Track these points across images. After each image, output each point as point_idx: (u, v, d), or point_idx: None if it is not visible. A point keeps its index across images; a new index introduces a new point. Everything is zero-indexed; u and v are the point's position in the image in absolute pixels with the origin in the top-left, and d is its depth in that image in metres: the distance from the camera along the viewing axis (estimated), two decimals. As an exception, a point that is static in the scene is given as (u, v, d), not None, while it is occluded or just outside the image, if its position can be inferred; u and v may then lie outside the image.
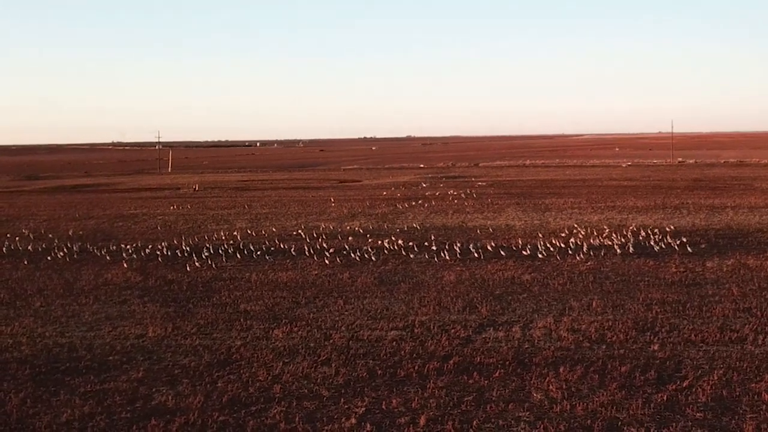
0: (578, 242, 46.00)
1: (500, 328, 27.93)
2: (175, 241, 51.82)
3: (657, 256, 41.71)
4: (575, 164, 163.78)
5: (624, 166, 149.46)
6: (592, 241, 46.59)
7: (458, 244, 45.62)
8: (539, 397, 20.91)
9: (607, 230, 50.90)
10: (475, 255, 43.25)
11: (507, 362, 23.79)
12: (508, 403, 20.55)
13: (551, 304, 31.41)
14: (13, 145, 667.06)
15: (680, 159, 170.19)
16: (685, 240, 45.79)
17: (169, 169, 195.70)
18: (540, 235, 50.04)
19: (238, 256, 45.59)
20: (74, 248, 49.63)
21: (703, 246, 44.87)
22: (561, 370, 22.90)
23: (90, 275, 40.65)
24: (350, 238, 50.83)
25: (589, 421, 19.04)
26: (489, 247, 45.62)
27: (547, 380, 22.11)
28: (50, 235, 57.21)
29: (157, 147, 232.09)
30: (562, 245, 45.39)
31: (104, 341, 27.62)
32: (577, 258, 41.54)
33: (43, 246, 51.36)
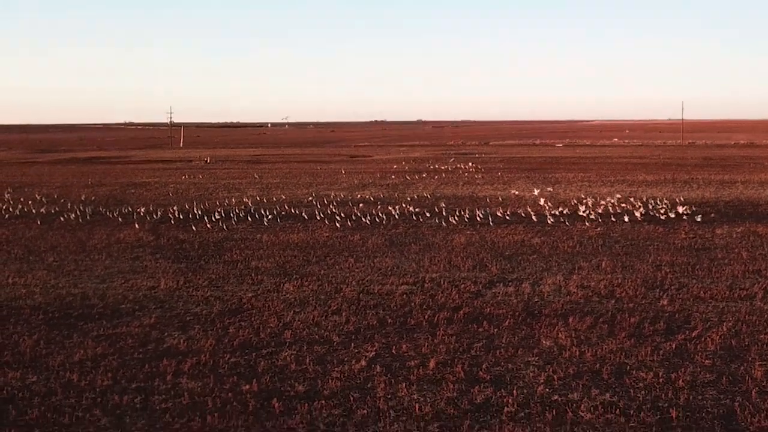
0: (588, 211, 45.86)
1: (510, 284, 27.89)
2: (187, 206, 51.91)
3: (666, 224, 41.58)
4: (585, 144, 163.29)
5: (616, 140, 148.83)
6: (601, 210, 46.46)
7: (468, 211, 45.54)
8: (548, 343, 20.88)
9: (616, 200, 50.74)
10: (485, 220, 43.19)
11: (517, 313, 23.77)
12: (517, 349, 20.52)
13: (561, 264, 31.34)
14: (27, 124, 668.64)
15: (690, 141, 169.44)
16: (695, 209, 45.66)
17: (181, 144, 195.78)
18: (549, 204, 49.90)
19: (249, 219, 45.61)
20: (87, 211, 49.73)
21: (712, 215, 44.72)
22: (570, 320, 22.87)
23: (102, 234, 40.71)
24: (361, 205, 50.81)
25: (597, 366, 19.00)
26: (498, 214, 45.59)
27: (556, 329, 22.08)
28: (62, 200, 57.34)
29: (169, 120, 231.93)
30: (572, 212, 45.31)
31: (117, 292, 27.67)
32: (587, 224, 41.47)
33: (56, 209, 51.48)
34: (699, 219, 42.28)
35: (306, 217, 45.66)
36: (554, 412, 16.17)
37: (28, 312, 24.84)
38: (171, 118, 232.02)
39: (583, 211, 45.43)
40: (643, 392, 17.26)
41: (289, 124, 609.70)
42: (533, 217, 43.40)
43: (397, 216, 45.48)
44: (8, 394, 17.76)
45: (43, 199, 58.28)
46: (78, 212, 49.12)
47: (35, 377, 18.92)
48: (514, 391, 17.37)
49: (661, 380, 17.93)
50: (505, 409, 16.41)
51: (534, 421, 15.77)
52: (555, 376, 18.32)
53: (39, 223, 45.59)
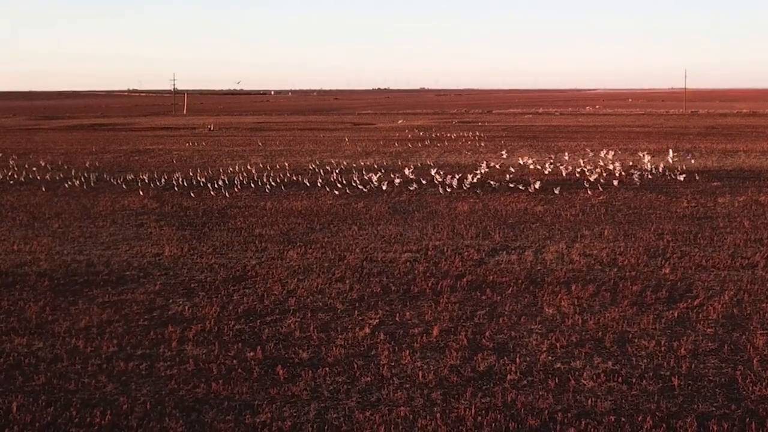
0: (590, 178, 45.77)
1: (513, 252, 27.88)
2: (191, 173, 51.90)
3: (668, 192, 41.51)
4: (588, 112, 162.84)
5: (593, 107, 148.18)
6: (603, 178, 46.39)
7: (471, 178, 45.47)
8: (551, 311, 20.89)
9: (619, 168, 50.65)
10: (488, 188, 43.17)
11: (519, 281, 23.77)
12: (520, 316, 20.54)
13: (563, 232, 31.32)
14: (31, 90, 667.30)
15: (693, 110, 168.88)
16: (697, 177, 45.60)
17: (185, 111, 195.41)
18: (553, 173, 49.79)
19: (253, 186, 45.64)
20: (91, 178, 49.72)
21: (715, 184, 44.63)
22: (573, 288, 22.87)
23: (107, 201, 40.71)
24: (364, 173, 50.70)
25: (600, 334, 19.02)
26: (501, 182, 45.52)
27: (559, 297, 22.09)
28: (67, 167, 57.28)
29: (172, 88, 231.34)
30: (574, 181, 45.27)
31: (121, 258, 27.69)
32: (589, 192, 41.40)
33: (61, 176, 51.51)
34: (701, 187, 42.19)
35: (309, 185, 45.65)
36: (557, 380, 16.19)
37: (33, 278, 24.86)
38: (174, 85, 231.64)
39: (586, 179, 45.33)
40: (645, 360, 17.27)
41: (292, 91, 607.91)
42: (536, 185, 43.30)
43: (400, 184, 45.41)
44: (14, 360, 17.80)
45: (48, 166, 58.30)
46: (82, 179, 49.13)
47: (41, 343, 18.96)
48: (517, 359, 17.39)
49: (663, 348, 17.94)
50: (508, 376, 16.43)
51: (537, 389, 15.79)
52: (558, 344, 18.33)
53: (44, 189, 45.59)
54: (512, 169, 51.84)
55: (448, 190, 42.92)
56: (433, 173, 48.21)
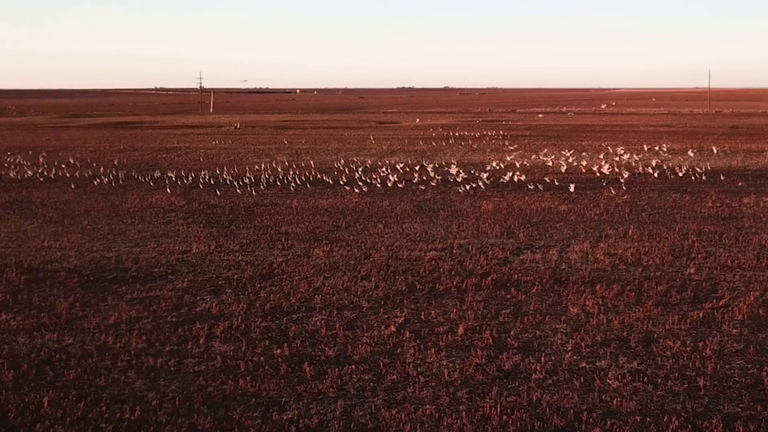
0: (614, 178, 45.58)
1: (537, 251, 27.80)
2: (217, 171, 52.07)
3: (693, 192, 41.27)
4: (611, 111, 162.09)
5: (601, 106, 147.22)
6: (628, 177, 46.19)
7: (495, 178, 45.40)
8: (576, 311, 20.81)
9: (642, 168, 50.43)
10: (512, 187, 43.10)
11: (544, 280, 23.69)
12: (545, 315, 20.47)
13: (588, 232, 31.20)
14: (60, 89, 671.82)
15: (717, 110, 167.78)
16: (722, 177, 45.32)
17: (211, 109, 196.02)
18: (575, 171, 49.66)
19: (279, 185, 45.70)
20: (119, 175, 50.00)
21: (740, 184, 44.34)
22: (597, 287, 22.77)
23: (135, 199, 40.92)
24: (389, 171, 50.66)
25: (625, 334, 18.93)
26: (524, 180, 45.43)
27: (583, 296, 22.00)
28: (96, 164, 57.62)
29: (199, 86, 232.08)
30: (598, 180, 45.11)
31: (150, 255, 27.81)
32: (613, 191, 41.21)
33: (90, 173, 51.83)
34: (726, 187, 41.91)
35: (335, 183, 45.69)
36: (582, 380, 16.13)
37: (63, 275, 25.01)
38: (201, 83, 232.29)
39: (610, 179, 45.15)
40: (670, 361, 17.18)
41: (318, 90, 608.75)
42: (560, 184, 43.14)
43: (425, 182, 45.38)
44: (45, 356, 17.91)
45: (77, 163, 58.63)
46: (111, 176, 49.42)
47: (71, 339, 19.07)
48: (542, 358, 17.34)
49: (688, 349, 17.84)
50: (533, 375, 16.39)
51: (562, 389, 15.73)
52: (582, 344, 18.27)
53: (73, 186, 45.87)
54: (535, 168, 51.68)
55: (473, 188, 42.82)
56: (453, 172, 48.15)
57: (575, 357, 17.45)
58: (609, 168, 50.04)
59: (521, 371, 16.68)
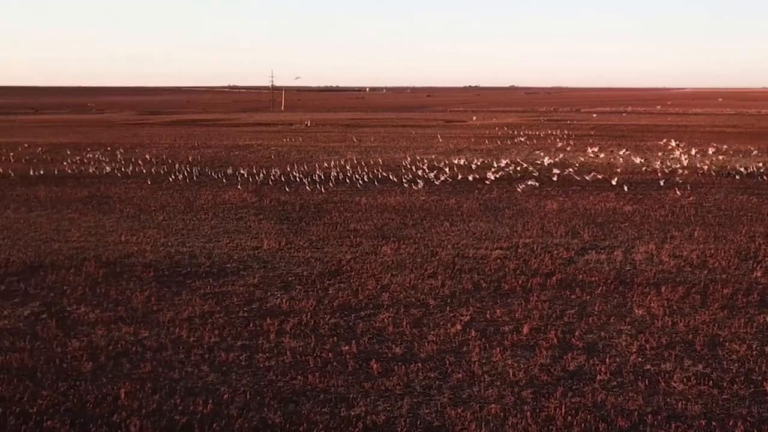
0: (679, 179, 44.96)
1: (602, 252, 27.50)
2: (288, 168, 52.42)
3: (760, 194, 40.50)
4: (677, 112, 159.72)
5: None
6: (693, 178, 45.51)
7: (559, 177, 45.05)
8: (641, 312, 20.55)
9: (707, 168, 49.66)
10: (577, 187, 42.73)
11: (609, 281, 23.43)
12: (609, 317, 20.25)
13: (652, 233, 30.78)
14: (136, 87, 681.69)
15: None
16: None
17: (282, 107, 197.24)
18: (641, 172, 49.07)
19: (348, 182, 45.79)
20: (194, 172, 50.53)
21: (806, 186, 43.42)
22: (662, 289, 22.46)
23: (208, 195, 41.34)
24: (456, 170, 50.52)
25: (690, 336, 18.65)
26: (589, 181, 45.01)
27: (648, 298, 21.72)
28: (170, 161, 58.29)
29: (270, 83, 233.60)
30: (663, 180, 44.51)
31: (222, 251, 28.07)
32: (678, 193, 40.60)
33: (165, 169, 52.41)
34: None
35: (403, 180, 45.64)
36: (647, 382, 15.93)
37: (139, 269, 25.37)
38: (273, 81, 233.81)
39: (675, 179, 44.51)
40: (736, 364, 16.89)
41: (387, 88, 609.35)
42: (624, 185, 42.67)
43: (490, 181, 45.19)
44: (122, 348, 18.19)
45: (153, 160, 59.38)
46: (186, 173, 49.98)
47: (147, 332, 19.34)
48: (607, 359, 17.16)
49: (754, 353, 17.53)
50: (598, 377, 16.23)
51: (627, 390, 15.56)
52: (647, 346, 18.04)
53: (149, 182, 46.49)
54: (600, 167, 51.18)
55: (537, 187, 42.54)
56: (519, 170, 47.86)
57: (640, 359, 17.25)
58: (674, 168, 49.30)
59: (586, 372, 16.54)
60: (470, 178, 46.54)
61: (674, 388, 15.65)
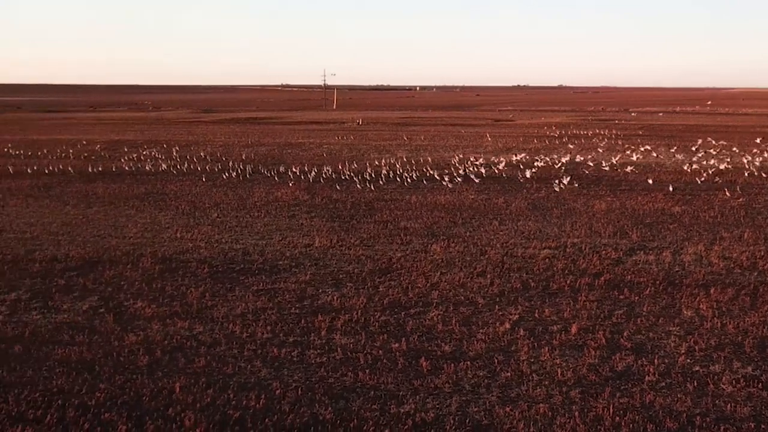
0: (728, 179, 44.33)
1: (651, 252, 27.18)
2: (339, 167, 52.46)
3: (810, 195, 39.80)
4: (726, 112, 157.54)
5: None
6: (743, 179, 44.86)
7: (607, 177, 44.62)
8: (690, 314, 20.29)
9: (757, 169, 48.90)
10: (625, 187, 42.32)
11: (657, 282, 23.16)
12: (658, 317, 20.02)
13: (702, 234, 30.37)
14: (192, 85, 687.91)
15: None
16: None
17: (334, 106, 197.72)
18: (689, 171, 48.50)
19: (398, 180, 45.74)
20: (247, 170, 50.78)
21: None
22: (712, 291, 22.15)
23: (261, 192, 41.52)
24: (505, 169, 50.29)
25: (740, 338, 18.37)
26: (637, 181, 44.55)
27: (697, 299, 21.43)
28: (225, 158, 58.65)
29: (323, 82, 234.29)
30: (712, 181, 43.93)
31: (275, 248, 28.18)
32: (728, 194, 40.01)
33: (219, 167, 52.72)
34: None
35: (452, 179, 45.49)
36: (695, 384, 15.72)
37: (194, 265, 25.56)
38: (325, 80, 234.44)
39: (724, 180, 43.91)
40: (786, 367, 16.61)
41: (437, 87, 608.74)
42: (672, 186, 42.17)
43: (538, 179, 44.90)
44: (177, 343, 18.33)
45: (207, 157, 59.80)
46: (239, 170, 50.26)
47: (201, 327, 19.47)
48: (655, 360, 16.96)
49: (804, 355, 17.22)
50: (646, 378, 16.05)
51: (675, 392, 15.36)
52: (696, 347, 17.80)
53: (204, 180, 46.81)
54: (648, 168, 50.65)
55: (586, 186, 42.18)
56: (565, 169, 47.51)
57: (689, 360, 17.03)
58: (723, 168, 48.66)
59: (634, 373, 16.36)
60: (518, 176, 46.29)
61: (723, 390, 15.43)
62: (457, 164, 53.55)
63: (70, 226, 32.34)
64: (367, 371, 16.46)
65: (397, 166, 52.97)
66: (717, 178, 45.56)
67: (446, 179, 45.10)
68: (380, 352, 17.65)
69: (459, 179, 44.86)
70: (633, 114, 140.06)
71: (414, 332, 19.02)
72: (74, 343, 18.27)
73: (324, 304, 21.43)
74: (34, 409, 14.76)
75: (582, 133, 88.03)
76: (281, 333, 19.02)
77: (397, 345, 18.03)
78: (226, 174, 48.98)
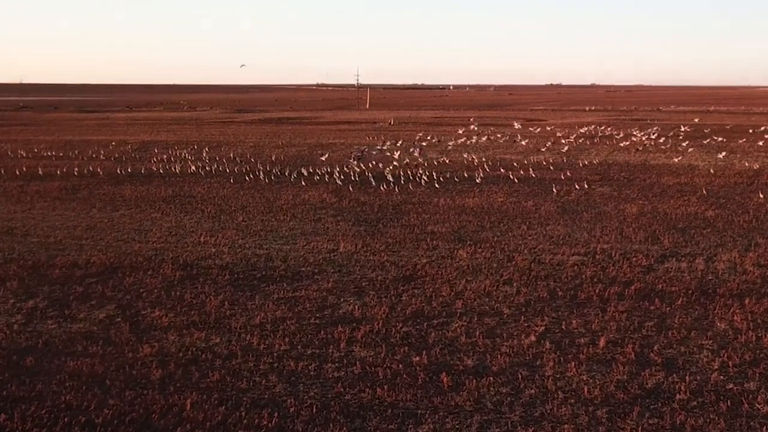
0: (764, 181, 43.17)
1: (683, 259, 26.26)
2: (363, 167, 51.72)
3: None
4: (762, 111, 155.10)
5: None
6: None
7: (639, 180, 43.63)
8: (723, 326, 19.41)
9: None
10: (657, 190, 41.30)
11: (690, 291, 22.26)
12: (690, 330, 19.15)
13: (736, 240, 29.38)
14: (226, 84, 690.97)
15: None
16: None
17: (367, 105, 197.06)
18: (724, 175, 47.34)
19: (428, 181, 44.93)
20: (276, 171, 50.19)
21: None
22: (746, 301, 21.25)
23: (289, 195, 40.92)
24: (535, 170, 49.37)
25: (775, 353, 17.48)
26: (670, 184, 43.49)
27: (731, 311, 20.53)
28: (254, 160, 58.10)
29: (356, 81, 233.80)
30: (748, 184, 42.79)
31: (298, 254, 27.55)
32: (762, 196, 38.88)
33: (248, 168, 52.17)
34: None
35: (482, 181, 44.68)
36: (729, 403, 14.89)
37: (215, 272, 24.97)
38: (358, 79, 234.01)
39: (758, 183, 42.75)
40: (825, 385, 15.70)
41: (470, 86, 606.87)
42: (705, 189, 41.10)
43: (569, 182, 43.96)
44: (192, 355, 17.74)
45: (237, 158, 59.26)
46: (267, 172, 49.67)
47: (218, 338, 18.87)
48: (687, 377, 16.12)
49: (844, 373, 16.31)
50: (677, 396, 15.23)
51: (707, 412, 14.54)
52: (730, 363, 16.93)
53: (232, 182, 46.27)
54: (681, 169, 49.57)
55: (616, 189, 41.22)
56: (597, 171, 46.51)
57: (722, 377, 16.17)
58: (758, 169, 47.47)
59: (664, 390, 15.54)
60: (548, 178, 45.39)
61: (758, 410, 14.60)
62: (486, 167, 52.57)
63: (95, 230, 31.91)
64: (386, 387, 15.76)
65: (426, 166, 52.07)
66: (752, 180, 44.34)
67: (478, 179, 44.28)
68: (400, 366, 16.94)
69: (498, 182, 43.89)
70: (660, 109, 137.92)
71: (436, 344, 18.30)
72: (87, 355, 17.73)
73: (345, 313, 20.78)
74: (39, 427, 14.21)
75: (614, 132, 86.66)
76: (299, 345, 18.37)
77: (418, 358, 17.33)
78: (254, 176, 48.34)
